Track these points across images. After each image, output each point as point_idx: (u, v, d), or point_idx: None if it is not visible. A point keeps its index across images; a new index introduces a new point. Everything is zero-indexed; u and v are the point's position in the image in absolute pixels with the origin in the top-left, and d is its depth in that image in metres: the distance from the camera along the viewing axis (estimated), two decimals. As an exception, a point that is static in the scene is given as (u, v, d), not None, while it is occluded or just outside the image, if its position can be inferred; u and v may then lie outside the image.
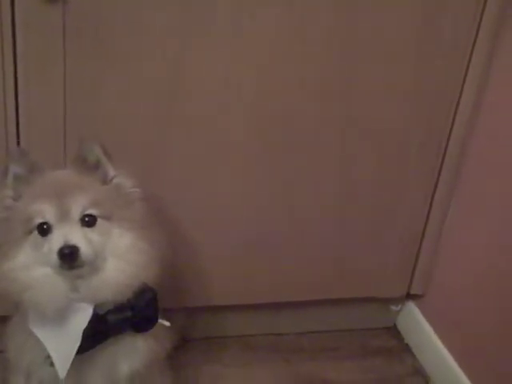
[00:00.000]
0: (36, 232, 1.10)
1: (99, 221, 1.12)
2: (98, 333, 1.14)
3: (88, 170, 1.15)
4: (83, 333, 1.11)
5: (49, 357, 1.12)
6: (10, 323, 1.24)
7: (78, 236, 1.08)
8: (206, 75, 1.39)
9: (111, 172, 1.16)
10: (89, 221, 1.11)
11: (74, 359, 1.12)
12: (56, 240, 1.07)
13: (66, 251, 1.05)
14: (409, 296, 1.81)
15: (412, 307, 1.83)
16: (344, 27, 1.41)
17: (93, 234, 1.11)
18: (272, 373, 1.69)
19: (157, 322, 1.21)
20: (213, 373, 1.66)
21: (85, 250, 1.07)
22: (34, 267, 1.10)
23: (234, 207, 1.56)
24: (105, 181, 1.16)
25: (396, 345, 1.85)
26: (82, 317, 1.11)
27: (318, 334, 1.84)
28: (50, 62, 1.31)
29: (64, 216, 1.09)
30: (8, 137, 1.36)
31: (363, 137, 1.54)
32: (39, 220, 1.10)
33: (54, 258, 1.06)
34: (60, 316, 1.11)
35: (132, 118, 1.39)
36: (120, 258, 1.12)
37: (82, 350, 1.12)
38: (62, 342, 1.11)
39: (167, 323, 1.24)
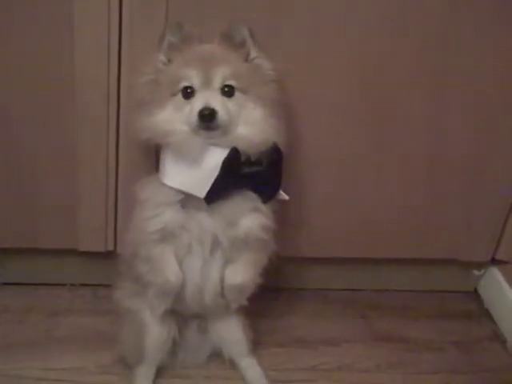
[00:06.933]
0: (180, 94, 1.25)
1: (237, 93, 1.25)
2: (232, 176, 1.25)
3: (232, 47, 1.27)
4: (221, 169, 1.23)
5: (180, 200, 1.27)
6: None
7: (217, 101, 1.22)
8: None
9: (253, 53, 1.28)
10: (228, 91, 1.25)
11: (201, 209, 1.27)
12: (199, 102, 1.22)
13: (206, 112, 1.20)
14: (493, 261, 1.77)
15: (495, 273, 1.79)
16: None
17: (229, 103, 1.24)
18: (348, 327, 1.70)
19: (279, 188, 1.32)
20: (289, 324, 1.68)
21: (222, 114, 1.22)
22: (174, 123, 1.25)
23: (322, 158, 1.56)
24: (246, 60, 1.28)
25: (476, 309, 1.82)
26: (221, 153, 1.23)
27: (397, 292, 1.83)
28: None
29: (207, 83, 1.24)
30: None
31: (455, 98, 1.51)
32: (185, 83, 1.25)
33: (195, 117, 1.21)
34: (198, 160, 1.24)
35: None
36: (251, 125, 1.25)
37: (214, 191, 1.24)
38: (198, 178, 1.24)
39: (286, 197, 1.35)
